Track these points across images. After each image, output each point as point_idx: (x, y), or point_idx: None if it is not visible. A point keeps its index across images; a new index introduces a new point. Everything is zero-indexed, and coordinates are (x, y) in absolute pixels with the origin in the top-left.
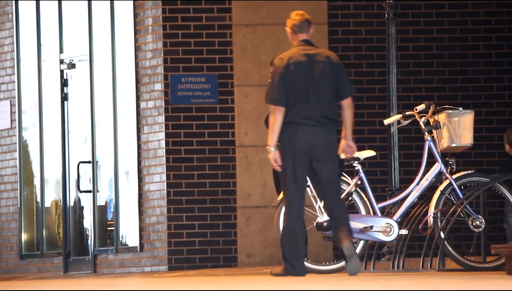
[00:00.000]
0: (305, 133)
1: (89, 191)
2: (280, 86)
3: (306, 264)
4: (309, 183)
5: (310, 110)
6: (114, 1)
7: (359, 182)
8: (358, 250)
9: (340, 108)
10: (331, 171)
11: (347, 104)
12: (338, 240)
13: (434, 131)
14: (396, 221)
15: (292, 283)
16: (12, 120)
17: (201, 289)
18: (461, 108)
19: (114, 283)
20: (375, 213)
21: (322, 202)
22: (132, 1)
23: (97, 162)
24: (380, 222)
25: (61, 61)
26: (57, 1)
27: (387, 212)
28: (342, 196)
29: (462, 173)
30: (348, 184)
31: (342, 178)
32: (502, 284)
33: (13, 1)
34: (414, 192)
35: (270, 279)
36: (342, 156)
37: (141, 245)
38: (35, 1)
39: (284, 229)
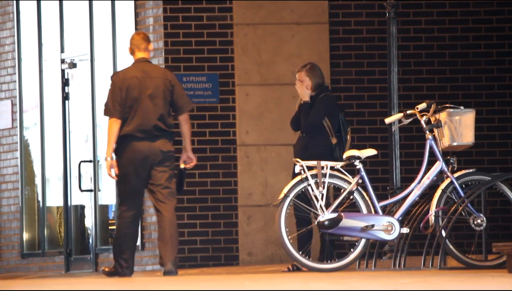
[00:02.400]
0: (142, 146)
1: (90, 190)
2: (116, 100)
3: (309, 262)
4: (310, 182)
5: (144, 124)
6: (115, 0)
7: (360, 181)
8: (359, 248)
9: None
10: (165, 177)
11: (183, 120)
12: (160, 259)
13: (435, 130)
14: (398, 220)
15: (293, 282)
16: (13, 120)
17: (203, 289)
18: (462, 107)
19: (116, 282)
20: (376, 212)
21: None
22: (133, 1)
23: (98, 161)
24: (382, 221)
25: (62, 61)
26: (58, 1)
27: (388, 211)
28: (343, 195)
29: (463, 172)
30: (349, 183)
31: (344, 176)
32: (504, 282)
33: (14, 1)
34: (415, 190)
35: (272, 277)
36: (182, 166)
37: (143, 244)
38: (36, 1)
39: (117, 230)
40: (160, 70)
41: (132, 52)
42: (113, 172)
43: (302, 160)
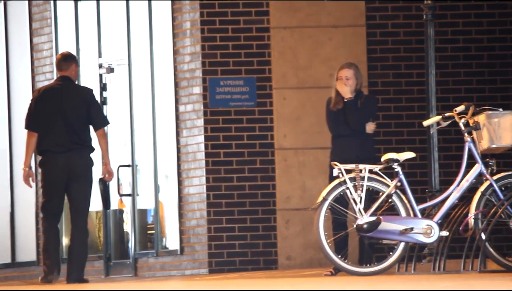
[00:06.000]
0: (58, 159)
1: (129, 195)
2: (33, 114)
3: (348, 266)
4: (348, 185)
5: (59, 138)
6: (152, 4)
7: (398, 184)
8: (398, 252)
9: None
10: (80, 190)
11: (99, 135)
12: (67, 275)
13: (474, 133)
14: (437, 223)
15: (332, 286)
16: None
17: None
18: (501, 109)
19: (156, 286)
20: (415, 215)
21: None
22: (170, 5)
23: (137, 165)
24: (421, 224)
25: (100, 66)
26: (95, 6)
27: (427, 214)
28: (381, 198)
29: (502, 174)
30: (388, 186)
31: (382, 179)
32: None
33: (52, 6)
34: (454, 193)
35: (311, 281)
36: (101, 177)
37: (181, 248)
38: (73, 6)
39: (43, 238)
40: (78, 88)
41: (56, 70)
42: (30, 181)
43: (360, 160)
